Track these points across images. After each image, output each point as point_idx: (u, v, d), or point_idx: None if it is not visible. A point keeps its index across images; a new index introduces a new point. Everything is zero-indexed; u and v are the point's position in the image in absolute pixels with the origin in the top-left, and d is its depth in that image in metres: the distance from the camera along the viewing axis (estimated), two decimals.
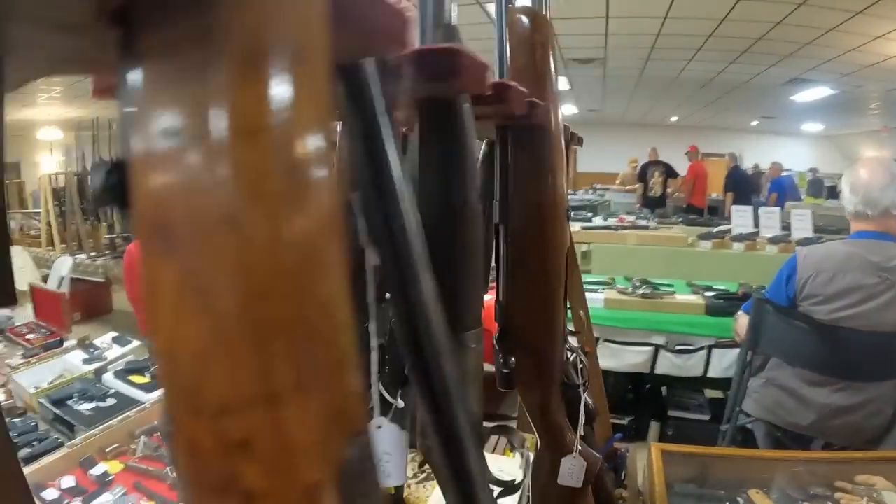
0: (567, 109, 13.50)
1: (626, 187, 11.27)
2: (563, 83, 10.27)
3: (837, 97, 9.72)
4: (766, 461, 1.48)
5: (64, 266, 4.60)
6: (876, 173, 2.18)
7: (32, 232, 7.74)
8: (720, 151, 13.29)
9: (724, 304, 3.11)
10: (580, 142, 1.30)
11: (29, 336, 2.80)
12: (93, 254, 5.97)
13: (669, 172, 10.36)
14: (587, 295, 3.32)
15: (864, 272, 2.11)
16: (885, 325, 2.09)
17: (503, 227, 0.79)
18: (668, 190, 10.51)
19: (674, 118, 14.02)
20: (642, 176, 10.51)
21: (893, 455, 1.56)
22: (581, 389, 0.86)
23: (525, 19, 0.77)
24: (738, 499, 1.41)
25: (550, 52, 0.78)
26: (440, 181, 0.50)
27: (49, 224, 6.62)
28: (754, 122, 13.91)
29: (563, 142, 0.80)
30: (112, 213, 6.49)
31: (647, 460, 1.47)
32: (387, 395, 0.76)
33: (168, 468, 1.60)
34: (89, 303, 5.39)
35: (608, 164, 13.23)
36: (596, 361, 1.73)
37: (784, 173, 11.92)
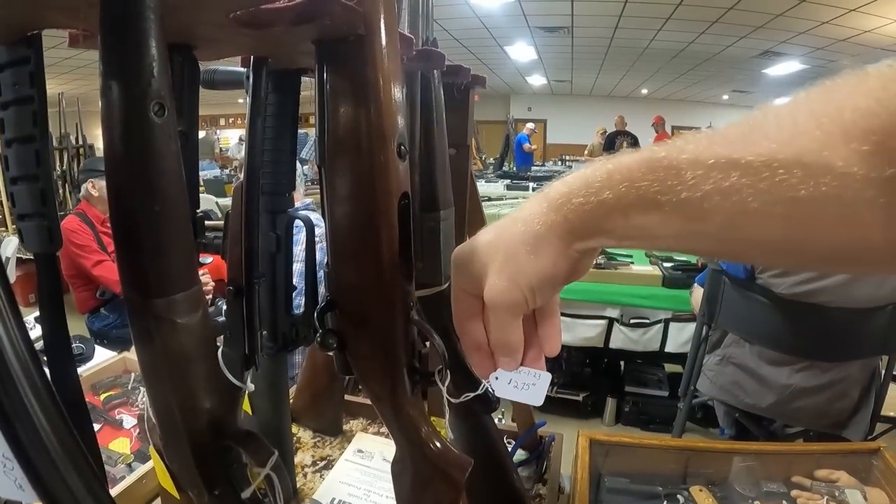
0: (535, 80, 13.32)
1: (595, 158, 11.14)
2: (529, 52, 10.07)
3: (809, 72, 9.62)
4: (714, 453, 1.28)
5: (9, 247, 4.30)
6: None
7: None
8: (692, 125, 13.22)
9: (682, 276, 2.95)
10: (483, 83, 1.08)
11: None
12: None
13: (635, 143, 10.29)
14: None
15: None
16: (854, 300, 1.90)
17: (322, 169, 0.60)
18: (586, 157, 10.51)
19: (644, 90, 13.90)
20: (610, 145, 10.38)
21: (858, 447, 1.36)
22: (438, 378, 0.64)
23: None
24: (679, 496, 1.20)
25: None
26: None
27: (1, 204, 6.31)
28: (726, 96, 13.82)
29: (394, 56, 0.58)
30: (63, 191, 6.24)
31: (574, 450, 1.27)
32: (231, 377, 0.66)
33: None
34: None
35: (578, 136, 13.15)
36: None
37: None
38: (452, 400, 0.68)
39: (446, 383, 0.64)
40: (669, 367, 3.44)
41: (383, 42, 0.56)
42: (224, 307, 0.77)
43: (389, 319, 0.63)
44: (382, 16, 0.56)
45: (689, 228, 0.40)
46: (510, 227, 0.50)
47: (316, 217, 1.74)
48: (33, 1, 0.36)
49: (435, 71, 0.86)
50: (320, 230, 1.99)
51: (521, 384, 0.58)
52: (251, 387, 0.76)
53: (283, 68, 0.74)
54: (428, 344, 0.67)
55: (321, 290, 0.70)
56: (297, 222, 0.85)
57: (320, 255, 1.82)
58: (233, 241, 0.75)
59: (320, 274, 0.71)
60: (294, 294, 0.90)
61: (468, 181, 1.11)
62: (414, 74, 0.83)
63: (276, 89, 0.78)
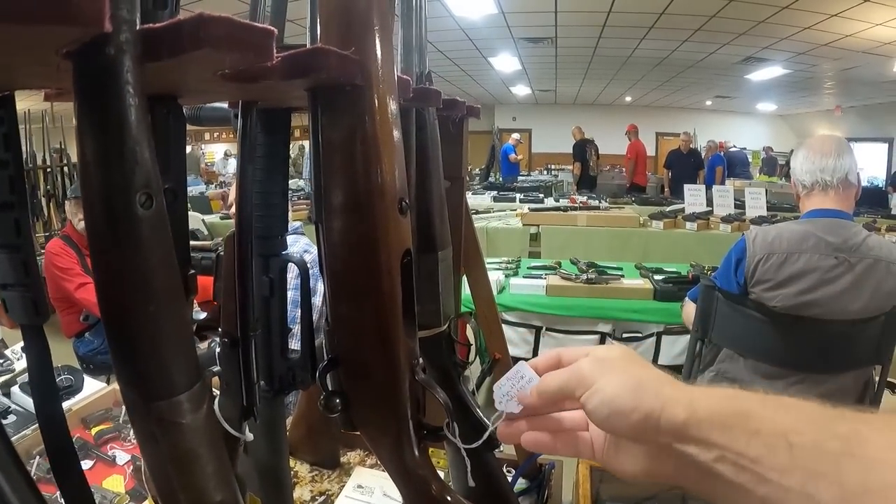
0: (519, 90, 13.35)
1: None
2: (514, 63, 10.08)
3: (791, 76, 9.69)
4: None
5: None
6: (829, 142, 2.01)
7: None
8: (676, 130, 13.30)
9: (674, 289, 2.95)
10: (478, 114, 1.07)
11: None
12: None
13: (597, 152, 10.45)
14: (530, 282, 3.13)
15: (819, 253, 1.91)
16: (845, 312, 1.90)
17: (320, 226, 0.59)
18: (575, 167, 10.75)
19: (628, 98, 13.95)
20: (581, 154, 10.44)
21: None
22: (447, 431, 0.63)
23: None
24: None
25: None
26: None
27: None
28: (709, 102, 13.89)
29: (394, 107, 0.56)
30: (48, 209, 6.17)
31: (574, 477, 1.25)
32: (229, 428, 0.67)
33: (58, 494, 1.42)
34: None
35: (562, 145, 13.17)
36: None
37: (732, 149, 11.98)
38: (463, 447, 0.67)
39: (457, 435, 0.63)
40: None
41: (382, 92, 0.55)
42: (218, 349, 0.76)
43: (394, 379, 0.62)
44: (381, 64, 0.55)
45: None
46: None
47: (311, 258, 1.72)
48: (2, 66, 0.33)
49: (431, 108, 0.84)
50: (312, 256, 1.97)
51: (519, 389, 0.60)
52: (250, 436, 0.74)
53: (273, 107, 0.73)
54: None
55: (318, 338, 0.69)
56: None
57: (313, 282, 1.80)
58: (226, 293, 0.73)
59: (316, 315, 0.70)
60: (290, 336, 0.89)
61: (463, 214, 1.10)
62: (409, 112, 0.82)
63: (265, 130, 0.76)
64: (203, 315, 0.80)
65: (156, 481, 0.44)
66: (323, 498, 1.42)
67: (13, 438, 1.65)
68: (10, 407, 1.90)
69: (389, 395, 0.63)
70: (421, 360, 0.65)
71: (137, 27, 0.34)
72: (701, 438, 0.47)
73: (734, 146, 12.51)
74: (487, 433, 0.75)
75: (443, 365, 0.93)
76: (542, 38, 8.32)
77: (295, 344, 0.89)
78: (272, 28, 0.38)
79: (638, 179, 10.21)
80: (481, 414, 0.89)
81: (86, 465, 1.66)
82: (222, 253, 0.77)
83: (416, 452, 0.66)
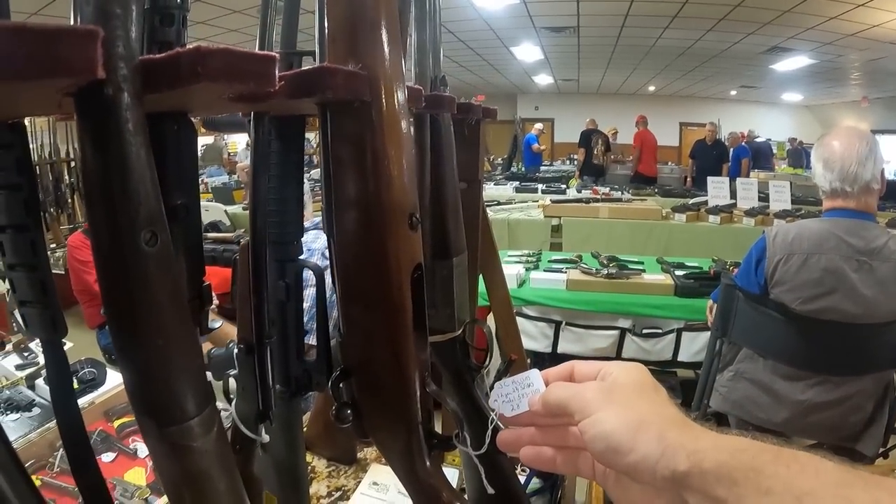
0: (542, 79, 13.27)
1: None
2: (536, 52, 10.02)
3: (817, 66, 9.55)
4: None
5: None
6: (852, 145, 1.92)
7: None
8: (701, 121, 13.15)
9: (695, 285, 2.92)
10: (494, 115, 1.06)
11: None
12: (52, 246, 5.70)
13: (607, 144, 10.32)
14: (550, 276, 3.12)
15: (840, 255, 1.88)
16: (866, 315, 1.87)
17: (331, 240, 0.60)
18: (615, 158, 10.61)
19: (651, 87, 13.83)
20: (586, 142, 10.35)
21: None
22: (457, 441, 0.63)
23: None
24: None
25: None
26: None
27: None
28: (734, 92, 13.73)
29: (404, 121, 0.56)
30: (73, 201, 6.24)
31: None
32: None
33: None
34: None
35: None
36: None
37: (757, 139, 11.82)
38: (474, 454, 0.67)
39: (468, 443, 0.63)
40: (682, 373, 3.40)
41: (392, 107, 0.54)
42: (235, 352, 0.76)
43: (405, 389, 0.63)
44: (390, 78, 0.54)
45: None
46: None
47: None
48: (7, 98, 0.34)
49: (445, 114, 0.84)
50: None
51: (520, 395, 0.59)
52: (266, 438, 0.75)
53: (286, 114, 0.73)
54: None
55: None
56: None
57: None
58: (241, 300, 0.74)
59: (331, 324, 0.71)
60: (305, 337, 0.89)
61: (480, 216, 1.10)
62: (423, 118, 0.82)
63: (279, 136, 0.76)
64: (219, 323, 0.80)
65: (170, 498, 0.45)
66: (339, 493, 1.43)
67: (37, 431, 1.70)
68: (34, 400, 1.93)
69: (400, 405, 0.64)
70: (430, 372, 0.65)
71: (136, 59, 0.34)
72: (704, 491, 0.44)
73: (759, 137, 12.35)
74: (489, 431, 0.76)
75: (457, 368, 0.93)
76: (565, 27, 8.28)
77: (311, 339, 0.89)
78: (273, 55, 0.38)
79: (643, 169, 10.03)
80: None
81: (108, 457, 1.69)
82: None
83: (427, 461, 0.67)
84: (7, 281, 0.44)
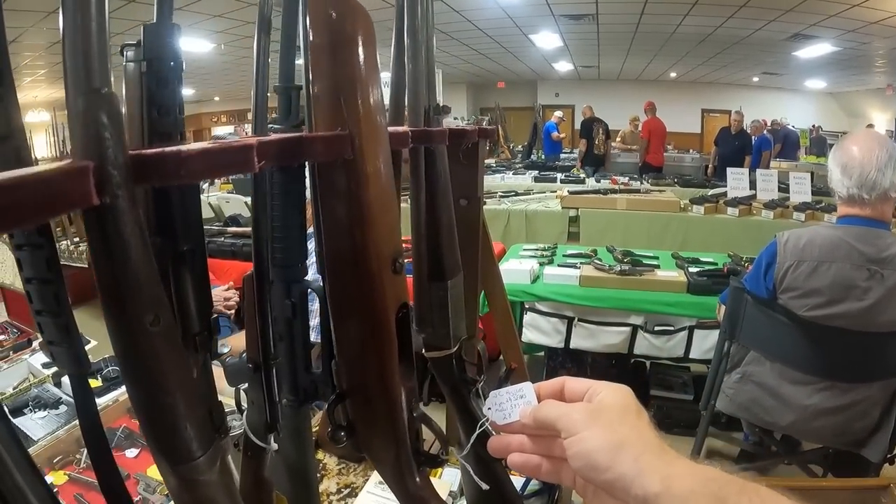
0: (562, 66, 13.19)
1: (626, 146, 10.95)
2: (555, 40, 9.97)
3: (841, 54, 9.40)
4: None
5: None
6: (871, 151, 1.89)
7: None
8: (723, 107, 12.99)
9: (708, 282, 2.92)
10: (493, 135, 1.08)
11: (1, 337, 2.66)
12: (76, 239, 5.80)
13: (607, 132, 10.18)
14: (564, 271, 3.14)
15: (851, 263, 1.87)
16: (874, 324, 1.87)
17: (323, 279, 0.65)
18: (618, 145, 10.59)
19: (673, 74, 13.68)
20: (587, 132, 10.23)
21: (869, 483, 1.36)
22: (441, 455, 0.68)
23: (328, 7, 0.57)
24: None
25: (358, 57, 0.58)
26: None
27: None
28: (756, 78, 13.54)
29: (386, 172, 0.61)
30: None
31: None
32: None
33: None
34: (74, 289, 5.20)
35: (606, 121, 12.96)
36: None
37: (789, 127, 11.63)
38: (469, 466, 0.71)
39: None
40: (696, 368, 3.42)
41: (374, 161, 0.58)
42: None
43: (393, 413, 0.68)
44: (371, 135, 0.58)
45: None
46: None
47: None
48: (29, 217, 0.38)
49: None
50: None
51: (512, 405, 0.63)
52: (275, 447, 0.80)
53: None
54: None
55: None
56: None
57: None
58: (248, 323, 0.78)
59: None
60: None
61: (481, 232, 1.13)
62: (417, 150, 0.85)
63: (280, 168, 0.80)
64: (227, 349, 0.85)
65: None
66: (348, 490, 1.48)
67: (64, 428, 1.76)
68: (61, 398, 1.98)
69: (389, 426, 0.69)
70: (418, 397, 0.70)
71: (128, 163, 0.39)
72: None
73: (791, 125, 12.12)
74: (475, 434, 0.80)
75: (454, 383, 0.97)
76: (583, 14, 8.23)
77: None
78: (251, 143, 0.42)
79: (651, 159, 9.81)
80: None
81: (131, 452, 1.74)
82: None
83: (417, 476, 0.73)
84: (35, 323, 0.50)
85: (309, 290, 0.93)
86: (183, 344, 0.63)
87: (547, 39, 10.07)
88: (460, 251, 0.95)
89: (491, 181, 7.45)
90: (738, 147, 9.03)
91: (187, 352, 0.64)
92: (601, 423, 0.55)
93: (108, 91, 0.37)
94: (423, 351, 0.93)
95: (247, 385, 0.81)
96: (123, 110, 0.44)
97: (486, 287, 1.27)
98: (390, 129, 0.65)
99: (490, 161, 10.94)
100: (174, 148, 0.39)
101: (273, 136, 0.53)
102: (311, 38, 0.58)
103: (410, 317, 0.67)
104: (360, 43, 0.58)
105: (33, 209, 0.31)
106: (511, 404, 0.63)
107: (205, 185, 8.61)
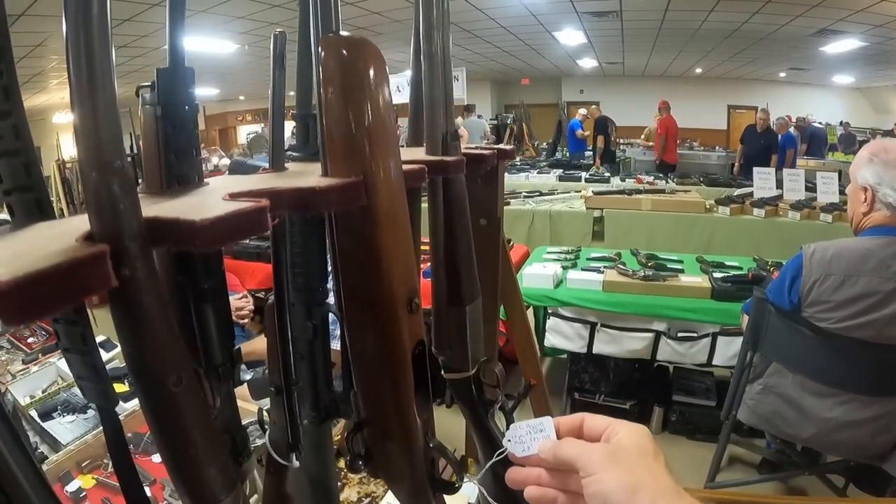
0: (586, 63, 13.13)
1: (650, 143, 10.89)
2: (579, 37, 9.91)
3: (869, 49, 9.24)
4: None
5: None
6: None
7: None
8: (750, 104, 12.83)
9: (732, 289, 2.89)
10: (512, 156, 1.08)
11: (30, 340, 2.71)
12: None
13: (615, 128, 10.30)
14: (587, 276, 3.14)
15: (879, 276, 1.84)
16: None
17: (341, 318, 0.67)
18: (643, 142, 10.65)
19: (698, 70, 13.53)
20: (603, 128, 10.19)
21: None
22: (456, 483, 0.70)
23: (341, 49, 0.57)
24: None
25: (371, 100, 0.58)
26: None
27: (62, 211, 6.58)
28: (783, 74, 13.34)
29: (401, 213, 0.62)
30: None
31: None
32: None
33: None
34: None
35: (632, 118, 12.89)
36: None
37: (816, 124, 11.47)
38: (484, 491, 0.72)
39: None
40: (720, 372, 3.38)
41: (388, 205, 0.59)
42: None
43: (409, 443, 0.70)
44: (386, 178, 0.59)
45: None
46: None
47: None
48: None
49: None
50: None
51: (532, 438, 0.64)
52: (296, 464, 0.82)
53: None
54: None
55: None
56: None
57: None
58: (270, 350, 0.80)
59: None
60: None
61: (500, 251, 1.13)
62: (435, 180, 0.85)
63: None
64: (249, 375, 0.87)
65: None
66: (369, 500, 1.50)
67: (92, 433, 1.79)
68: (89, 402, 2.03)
69: (405, 456, 0.71)
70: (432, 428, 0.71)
71: (143, 232, 0.40)
72: None
73: (818, 122, 11.94)
74: (486, 466, 0.81)
75: (473, 404, 0.98)
76: (607, 11, 8.17)
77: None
78: (264, 205, 0.43)
79: (667, 157, 9.72)
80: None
81: (158, 458, 1.78)
82: None
83: (433, 502, 0.75)
84: (65, 360, 0.52)
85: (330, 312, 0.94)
86: (206, 375, 0.65)
87: (571, 36, 10.02)
88: (480, 271, 0.96)
89: (515, 180, 7.45)
90: (764, 146, 8.86)
91: (210, 382, 0.66)
92: (619, 464, 0.56)
93: (120, 164, 0.39)
94: (442, 372, 0.94)
95: (270, 405, 0.83)
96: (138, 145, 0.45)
97: (505, 304, 1.28)
98: (405, 166, 0.65)
99: (515, 160, 10.95)
100: (189, 218, 0.40)
101: (287, 188, 0.54)
102: (322, 75, 0.58)
103: (427, 351, 0.68)
104: (373, 85, 0.58)
105: (53, 301, 0.33)
106: (531, 437, 0.65)
107: None
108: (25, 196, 0.49)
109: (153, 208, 0.45)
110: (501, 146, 1.06)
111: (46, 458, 1.70)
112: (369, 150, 0.57)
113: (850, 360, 1.91)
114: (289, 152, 0.88)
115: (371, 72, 0.58)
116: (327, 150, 0.60)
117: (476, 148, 1.04)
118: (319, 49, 0.57)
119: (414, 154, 0.86)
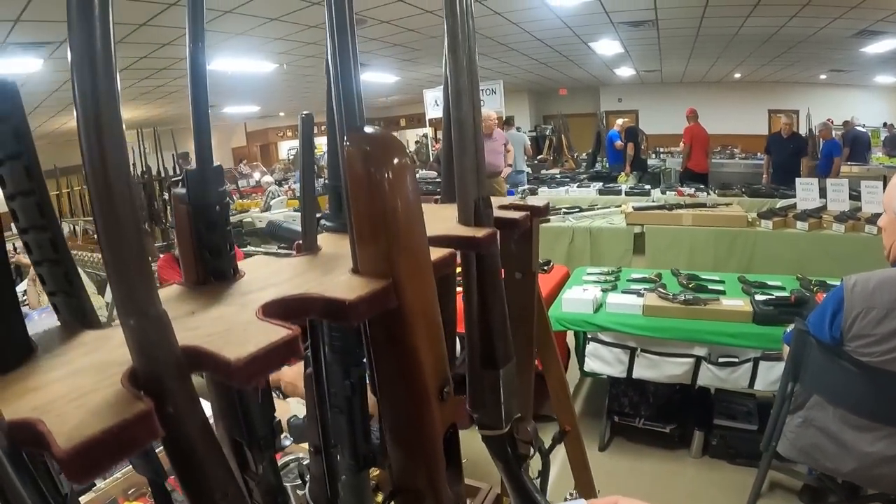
0: (623, 72, 13.05)
1: None
2: (615, 46, 9.88)
3: None
4: None
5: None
6: None
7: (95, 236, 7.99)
8: (790, 107, 12.61)
9: (774, 312, 2.85)
10: (545, 213, 1.09)
11: None
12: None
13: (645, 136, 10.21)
14: (627, 299, 3.12)
15: None
16: None
17: (377, 399, 0.69)
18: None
19: (737, 74, 13.36)
20: (633, 136, 10.11)
21: None
22: None
23: (363, 146, 0.58)
24: None
25: (398, 196, 0.58)
26: None
27: None
28: (823, 76, 13.10)
29: (432, 311, 0.64)
30: (164, 218, 6.59)
31: None
32: None
33: None
34: None
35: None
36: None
37: (859, 128, 11.23)
38: None
39: None
40: (762, 393, 3.33)
41: (419, 304, 0.61)
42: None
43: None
44: (415, 276, 0.61)
45: None
46: None
47: None
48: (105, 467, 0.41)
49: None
50: None
51: None
52: None
53: None
54: None
55: None
56: None
57: None
58: (309, 413, 0.83)
59: None
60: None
61: (535, 304, 1.15)
62: (469, 256, 0.88)
63: None
64: (289, 442, 0.90)
65: None
66: None
67: None
68: None
69: None
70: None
71: (181, 359, 0.43)
72: None
73: (861, 125, 11.68)
74: None
75: (507, 460, 1.00)
76: (643, 21, 8.13)
77: None
78: (295, 332, 0.46)
79: (694, 165, 9.55)
80: (541, 499, 0.99)
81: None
82: None
83: None
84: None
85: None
86: (248, 445, 0.68)
87: (607, 46, 9.99)
88: (515, 326, 0.97)
89: (555, 195, 7.45)
90: (793, 150, 8.63)
91: (252, 451, 0.70)
92: None
93: (154, 311, 0.41)
94: (477, 429, 0.97)
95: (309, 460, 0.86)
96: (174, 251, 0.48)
97: (541, 354, 1.29)
98: (434, 257, 0.67)
99: (554, 171, 10.92)
100: (225, 357, 0.42)
101: (318, 296, 0.56)
102: (348, 168, 0.59)
103: (458, 435, 0.70)
104: (396, 182, 0.58)
105: (109, 460, 0.36)
106: None
107: (272, 203, 8.82)
108: (70, 301, 0.52)
109: (191, 329, 0.49)
110: (534, 204, 1.07)
111: (94, 485, 1.75)
112: (396, 251, 0.59)
113: (891, 393, 1.88)
114: (322, 221, 0.90)
115: (393, 166, 0.58)
116: (356, 243, 0.62)
117: (509, 207, 1.05)
118: (345, 142, 0.59)
119: (445, 218, 0.86)
